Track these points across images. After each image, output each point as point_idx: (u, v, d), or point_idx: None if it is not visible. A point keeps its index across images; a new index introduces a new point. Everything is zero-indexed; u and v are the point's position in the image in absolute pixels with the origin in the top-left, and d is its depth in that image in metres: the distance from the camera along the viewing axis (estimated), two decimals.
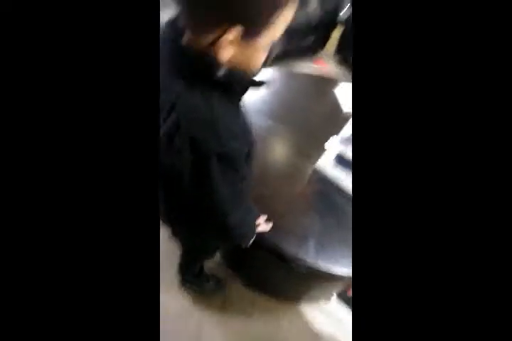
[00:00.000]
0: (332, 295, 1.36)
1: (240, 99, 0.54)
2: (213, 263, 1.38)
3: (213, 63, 0.44)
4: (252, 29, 0.42)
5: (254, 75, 0.51)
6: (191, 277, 1.25)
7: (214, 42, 0.43)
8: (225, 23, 0.40)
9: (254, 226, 0.78)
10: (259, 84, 0.51)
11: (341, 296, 1.37)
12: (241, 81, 0.49)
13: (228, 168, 0.51)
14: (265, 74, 1.43)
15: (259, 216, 0.82)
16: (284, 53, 2.57)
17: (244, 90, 0.51)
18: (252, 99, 1.24)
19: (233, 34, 0.41)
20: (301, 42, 2.54)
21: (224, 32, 0.41)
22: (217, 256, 1.42)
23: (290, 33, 2.38)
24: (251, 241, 0.79)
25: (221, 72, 0.45)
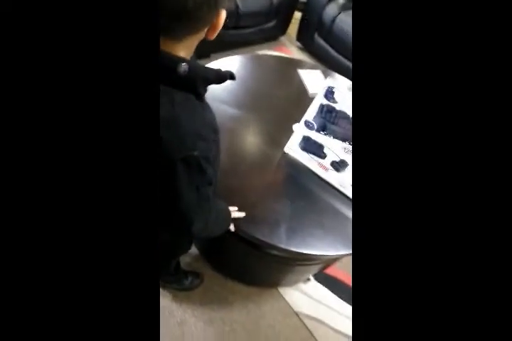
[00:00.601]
0: (309, 276, 1.40)
1: (203, 95, 0.52)
2: (190, 258, 1.36)
3: (173, 60, 0.43)
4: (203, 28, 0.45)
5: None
6: (169, 277, 1.23)
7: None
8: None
9: (226, 222, 0.77)
10: (226, 77, 0.50)
11: (318, 277, 1.41)
12: (204, 75, 0.48)
13: (194, 173, 0.49)
14: (227, 61, 1.39)
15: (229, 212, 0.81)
16: (246, 40, 2.52)
17: (208, 85, 0.49)
18: (214, 89, 1.20)
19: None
20: (263, 26, 2.50)
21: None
22: (194, 250, 1.40)
23: (251, 17, 2.33)
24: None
25: (182, 68, 0.44)
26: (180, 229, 0.61)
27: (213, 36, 0.48)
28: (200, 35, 0.47)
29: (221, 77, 0.50)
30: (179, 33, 0.43)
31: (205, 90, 0.50)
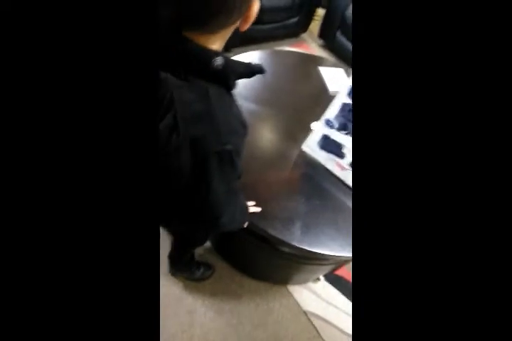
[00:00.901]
0: (320, 276, 1.39)
1: (233, 89, 0.52)
2: (203, 250, 1.38)
3: (210, 54, 0.44)
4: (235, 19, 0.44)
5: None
6: (182, 266, 1.25)
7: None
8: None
9: (246, 216, 0.78)
10: (256, 71, 0.50)
11: (329, 277, 1.41)
12: (237, 69, 0.48)
13: (227, 167, 0.49)
14: (247, 56, 1.39)
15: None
16: (267, 35, 2.51)
17: (239, 78, 0.50)
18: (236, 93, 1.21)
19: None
20: (285, 22, 2.48)
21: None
22: (207, 243, 1.42)
23: (273, 13, 2.32)
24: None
25: (218, 62, 0.44)
26: (208, 221, 0.61)
27: (246, 28, 0.48)
28: (234, 27, 0.47)
29: (252, 70, 0.50)
30: (215, 27, 0.44)
31: (236, 84, 0.50)
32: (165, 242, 1.25)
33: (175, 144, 0.44)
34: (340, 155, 0.98)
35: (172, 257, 1.20)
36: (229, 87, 0.49)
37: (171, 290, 1.29)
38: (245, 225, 0.85)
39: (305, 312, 1.32)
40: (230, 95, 0.52)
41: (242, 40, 2.35)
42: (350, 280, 1.43)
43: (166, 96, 0.43)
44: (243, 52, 1.40)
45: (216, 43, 0.47)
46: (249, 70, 0.50)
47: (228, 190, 0.55)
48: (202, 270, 1.29)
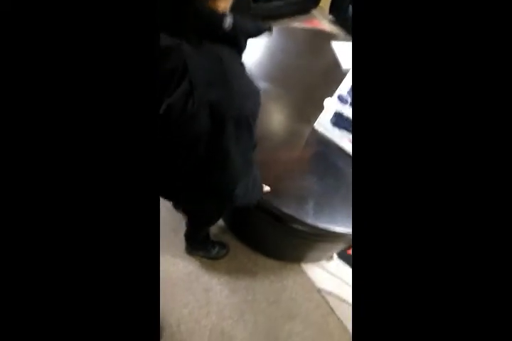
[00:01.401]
0: (333, 254, 1.40)
1: (244, 50, 0.52)
2: (217, 229, 1.41)
3: (219, 16, 0.44)
4: None
5: None
6: (198, 244, 1.29)
7: None
8: None
9: (259, 191, 0.78)
10: (264, 29, 0.50)
11: (342, 255, 1.42)
12: (246, 28, 0.48)
13: (243, 132, 0.49)
14: None
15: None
16: (276, 13, 2.42)
17: (248, 38, 0.49)
18: (246, 62, 1.18)
19: None
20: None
21: None
22: (221, 222, 1.45)
23: None
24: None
25: (227, 22, 0.44)
26: (223, 194, 0.62)
27: None
28: None
29: (259, 28, 0.50)
30: None
31: (246, 44, 0.50)
32: (182, 222, 1.28)
33: (191, 111, 0.44)
34: None
35: (188, 236, 1.23)
36: (240, 48, 0.49)
37: (187, 269, 1.33)
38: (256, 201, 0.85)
39: (318, 290, 1.34)
40: (241, 60, 0.51)
41: (251, 19, 2.27)
42: None
43: (180, 64, 0.43)
44: None
45: (223, 4, 0.46)
46: (257, 29, 0.50)
47: (245, 160, 0.55)
48: (217, 249, 1.32)
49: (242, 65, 0.50)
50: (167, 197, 0.75)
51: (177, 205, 0.86)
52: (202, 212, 0.92)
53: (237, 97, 0.46)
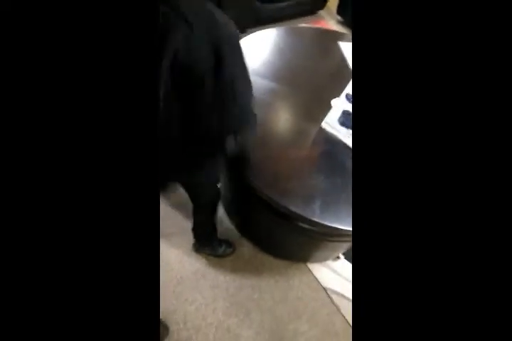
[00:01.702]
0: (339, 254, 1.40)
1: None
2: (224, 228, 1.42)
3: None
4: None
5: None
6: (205, 240, 1.30)
7: None
8: None
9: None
10: None
11: (348, 255, 1.42)
12: None
13: (239, 52, 0.59)
14: (264, 33, 1.36)
15: None
16: (283, 14, 2.43)
17: None
18: (253, 62, 1.19)
19: None
20: (301, 0, 2.38)
21: None
22: (227, 222, 1.46)
23: None
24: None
25: None
26: (218, 140, 0.68)
27: None
28: None
29: None
30: None
31: None
32: (189, 220, 1.30)
33: (195, 50, 0.52)
34: None
35: (195, 230, 1.24)
36: None
37: (194, 266, 1.34)
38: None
39: (324, 289, 1.34)
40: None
41: (257, 20, 2.29)
42: None
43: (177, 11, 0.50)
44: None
45: None
46: None
47: (247, 84, 0.64)
48: (224, 247, 1.34)
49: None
50: (167, 174, 0.75)
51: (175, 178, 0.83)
52: (200, 178, 0.89)
53: (222, 23, 0.56)
